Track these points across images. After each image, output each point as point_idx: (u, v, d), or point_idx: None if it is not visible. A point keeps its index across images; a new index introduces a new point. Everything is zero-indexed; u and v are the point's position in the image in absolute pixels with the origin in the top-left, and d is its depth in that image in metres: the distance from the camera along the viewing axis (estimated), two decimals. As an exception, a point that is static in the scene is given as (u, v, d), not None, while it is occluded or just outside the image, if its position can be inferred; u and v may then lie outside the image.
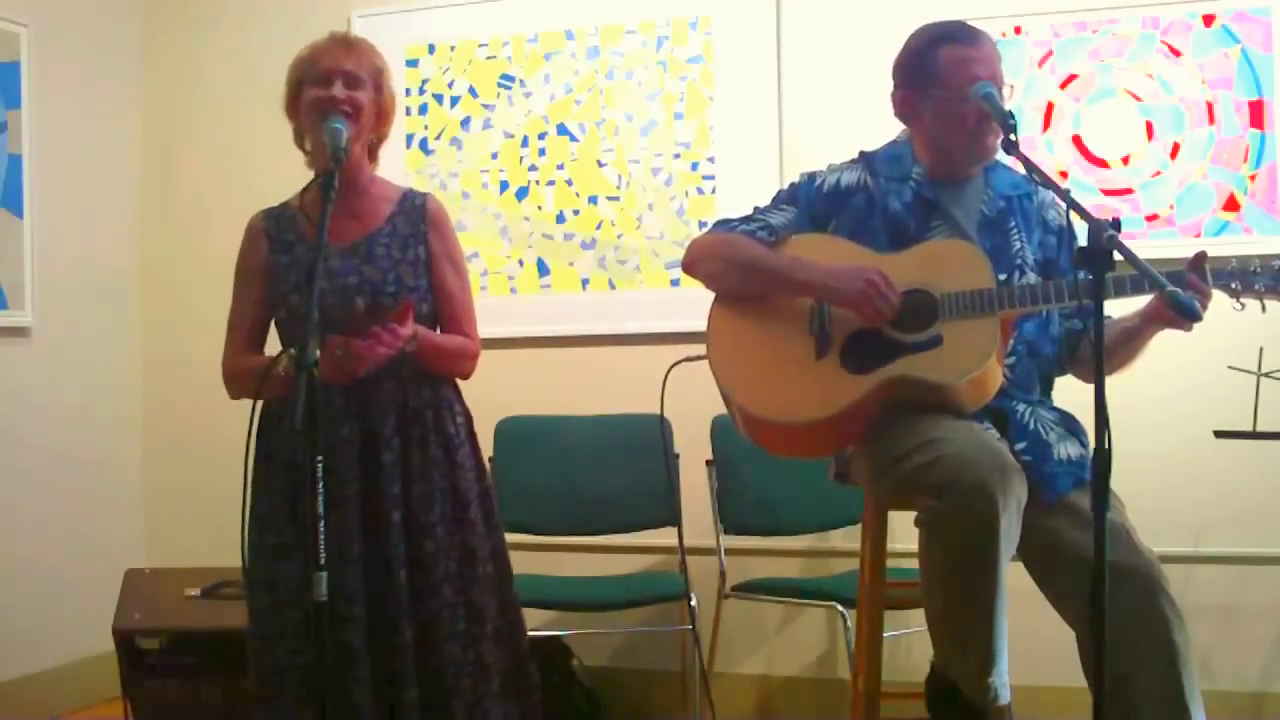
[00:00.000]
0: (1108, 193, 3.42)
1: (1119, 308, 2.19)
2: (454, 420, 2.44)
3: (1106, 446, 1.73)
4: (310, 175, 2.40)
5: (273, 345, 2.45)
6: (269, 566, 2.31)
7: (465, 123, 3.96)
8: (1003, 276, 2.24)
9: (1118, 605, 1.96)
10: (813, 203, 2.38)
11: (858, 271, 2.20)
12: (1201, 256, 2.11)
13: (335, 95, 2.31)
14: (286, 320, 2.38)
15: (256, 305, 2.43)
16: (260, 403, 2.14)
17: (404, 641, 2.29)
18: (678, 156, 3.77)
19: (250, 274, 2.44)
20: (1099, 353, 1.77)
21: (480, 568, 2.39)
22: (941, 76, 2.24)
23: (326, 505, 1.91)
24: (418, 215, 2.44)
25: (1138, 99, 3.41)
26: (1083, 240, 1.80)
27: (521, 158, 3.90)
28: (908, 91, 2.33)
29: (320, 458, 1.89)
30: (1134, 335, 2.22)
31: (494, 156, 3.93)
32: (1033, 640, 2.47)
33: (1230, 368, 2.96)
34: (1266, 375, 2.92)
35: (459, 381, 2.51)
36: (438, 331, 2.44)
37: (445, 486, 2.38)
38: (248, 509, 2.26)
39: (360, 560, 2.28)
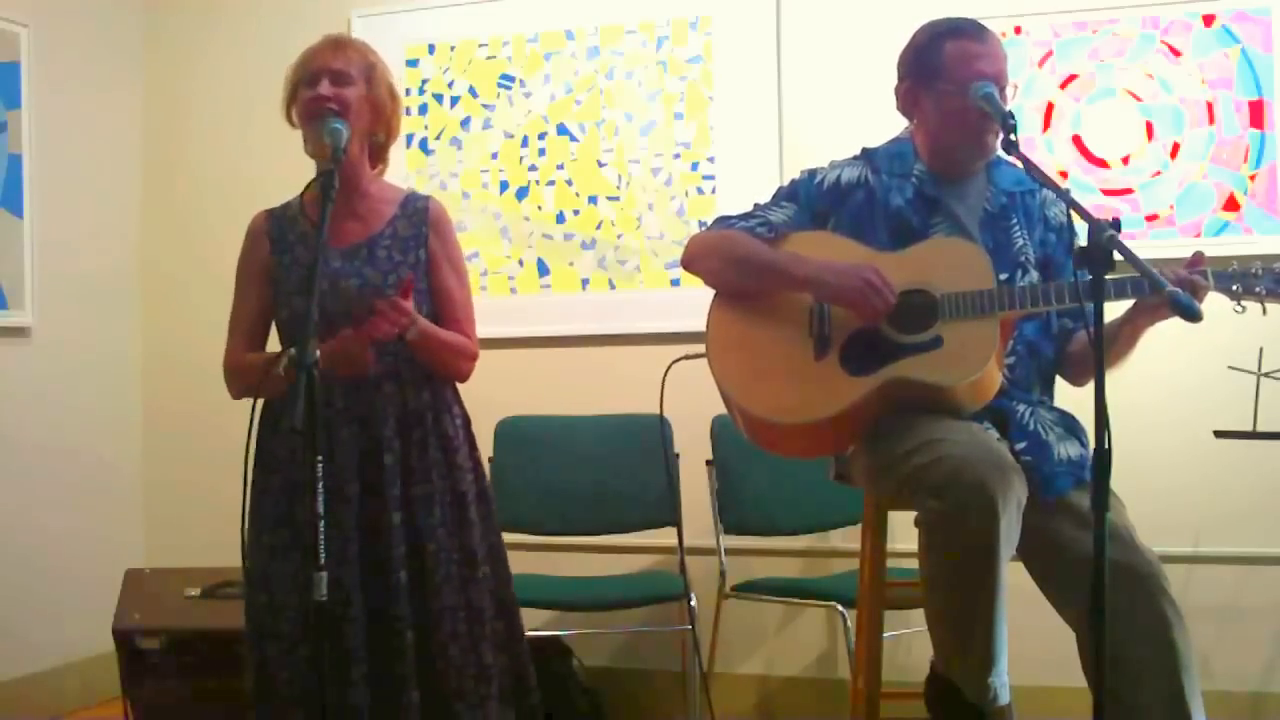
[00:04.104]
0: (1108, 193, 3.42)
1: (1115, 310, 2.17)
2: (453, 422, 2.44)
3: (1106, 446, 1.73)
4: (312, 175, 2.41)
5: (274, 345, 2.45)
6: (266, 565, 2.32)
7: (465, 123, 3.96)
8: (1005, 275, 2.24)
9: (1118, 605, 1.96)
10: (813, 199, 2.37)
11: (855, 269, 2.20)
12: (1199, 257, 2.11)
13: (321, 93, 2.31)
14: (289, 321, 2.38)
15: (257, 305, 2.43)
16: (260, 402, 2.14)
17: (405, 643, 2.28)
18: (678, 156, 3.77)
19: (251, 274, 2.44)
20: (1099, 354, 1.77)
21: (479, 569, 2.39)
22: (946, 71, 2.24)
23: (326, 505, 1.91)
24: (420, 218, 2.43)
25: (1138, 99, 3.41)
26: (1083, 240, 1.81)
27: (521, 158, 3.90)
28: (911, 85, 2.32)
29: (320, 458, 1.89)
30: (1121, 327, 2.17)
31: (494, 156, 3.93)
32: (1033, 640, 2.47)
33: (1230, 368, 2.96)
34: (1266, 375, 2.92)
35: (458, 384, 2.51)
36: None
37: (445, 488, 2.38)
38: (247, 508, 2.27)
39: (358, 560, 2.29)
